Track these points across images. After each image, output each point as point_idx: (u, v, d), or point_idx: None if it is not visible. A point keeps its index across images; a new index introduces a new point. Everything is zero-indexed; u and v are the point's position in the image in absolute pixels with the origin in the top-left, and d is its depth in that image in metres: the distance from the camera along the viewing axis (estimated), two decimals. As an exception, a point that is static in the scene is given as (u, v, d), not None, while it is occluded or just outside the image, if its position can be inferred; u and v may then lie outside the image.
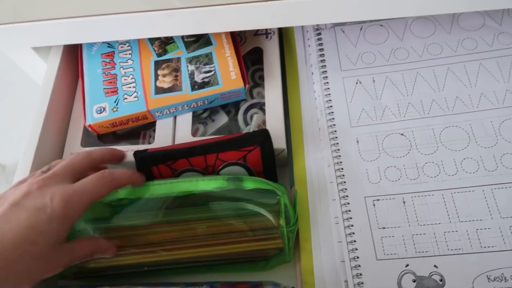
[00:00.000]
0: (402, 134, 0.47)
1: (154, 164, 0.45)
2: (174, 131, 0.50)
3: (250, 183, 0.42)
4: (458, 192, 0.43)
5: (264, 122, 0.51)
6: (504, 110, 0.46)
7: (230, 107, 0.54)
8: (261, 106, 0.53)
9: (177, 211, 0.44)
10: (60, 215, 0.34)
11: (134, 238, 0.44)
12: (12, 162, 1.37)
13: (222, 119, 0.53)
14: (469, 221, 0.42)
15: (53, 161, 0.41)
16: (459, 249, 0.41)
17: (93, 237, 0.42)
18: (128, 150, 0.48)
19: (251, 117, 0.52)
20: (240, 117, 0.52)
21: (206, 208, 0.44)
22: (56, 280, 0.46)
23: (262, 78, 0.56)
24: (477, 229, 0.41)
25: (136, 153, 0.45)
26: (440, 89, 0.49)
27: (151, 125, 0.54)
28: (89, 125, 0.47)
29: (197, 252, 0.44)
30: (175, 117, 0.50)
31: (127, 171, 0.41)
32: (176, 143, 0.49)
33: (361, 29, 0.54)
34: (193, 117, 0.50)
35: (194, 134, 0.50)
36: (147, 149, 0.45)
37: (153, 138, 0.52)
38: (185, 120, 0.50)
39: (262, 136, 0.44)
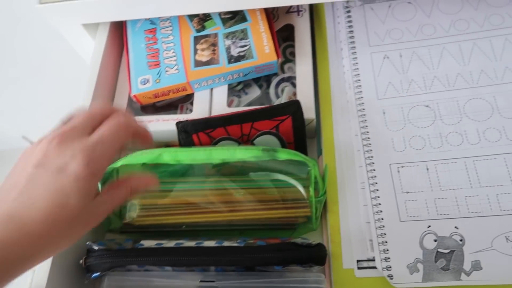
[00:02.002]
0: (427, 106, 0.50)
1: (194, 132, 0.48)
2: (211, 102, 0.53)
3: (284, 154, 0.45)
4: (480, 160, 0.46)
5: (294, 94, 0.54)
6: (528, 83, 0.48)
7: (262, 81, 0.58)
8: (291, 80, 0.56)
9: (215, 178, 0.48)
10: (84, 174, 0.32)
11: (174, 200, 0.48)
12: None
13: (255, 92, 0.56)
14: (490, 186, 0.44)
15: (75, 111, 0.38)
16: (479, 212, 0.43)
17: (128, 176, 0.38)
18: (169, 119, 0.52)
19: (282, 90, 0.56)
20: (271, 90, 0.56)
21: (241, 177, 0.48)
22: (104, 233, 0.51)
23: (292, 54, 0.58)
24: (497, 194, 0.44)
25: (178, 123, 0.49)
26: (466, 63, 0.51)
27: (188, 98, 0.58)
28: (134, 95, 0.52)
29: (232, 216, 0.47)
30: (212, 89, 0.54)
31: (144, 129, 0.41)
32: (212, 113, 0.53)
33: (389, 6, 0.56)
34: (228, 90, 0.54)
35: (229, 105, 0.54)
36: (187, 119, 0.49)
37: (190, 110, 0.56)
38: (221, 92, 0.53)
39: (294, 106, 0.47)
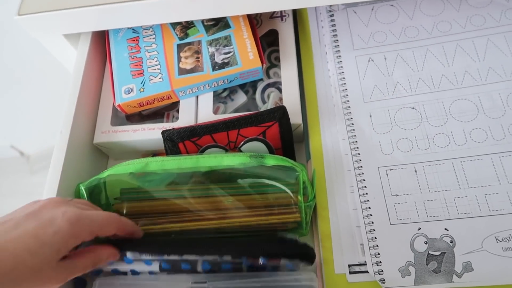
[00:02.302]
0: (413, 108, 0.50)
1: (180, 141, 0.48)
2: (197, 109, 0.53)
3: (271, 160, 0.45)
4: (467, 161, 0.46)
5: (280, 99, 0.54)
6: (511, 82, 0.48)
7: (248, 87, 0.57)
8: (277, 86, 0.56)
9: (203, 186, 0.47)
10: (66, 231, 0.35)
11: (162, 209, 0.47)
12: (36, 152, 1.43)
13: (241, 98, 0.56)
14: (478, 187, 0.44)
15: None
16: (469, 213, 0.43)
17: (92, 247, 0.40)
18: (155, 128, 0.51)
19: (268, 96, 0.55)
20: (257, 96, 0.55)
21: (230, 184, 0.47)
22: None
23: (278, 59, 0.58)
24: (486, 194, 0.44)
25: (164, 132, 0.48)
26: (450, 64, 0.51)
27: (175, 106, 0.57)
28: (118, 105, 0.51)
29: (221, 223, 0.47)
30: (197, 97, 0.53)
31: (133, 225, 0.44)
32: (198, 121, 0.52)
33: (372, 9, 0.56)
34: (213, 96, 0.53)
35: (215, 112, 0.53)
36: (173, 128, 0.48)
37: (176, 118, 0.56)
38: (207, 99, 0.53)
39: (280, 112, 0.47)
